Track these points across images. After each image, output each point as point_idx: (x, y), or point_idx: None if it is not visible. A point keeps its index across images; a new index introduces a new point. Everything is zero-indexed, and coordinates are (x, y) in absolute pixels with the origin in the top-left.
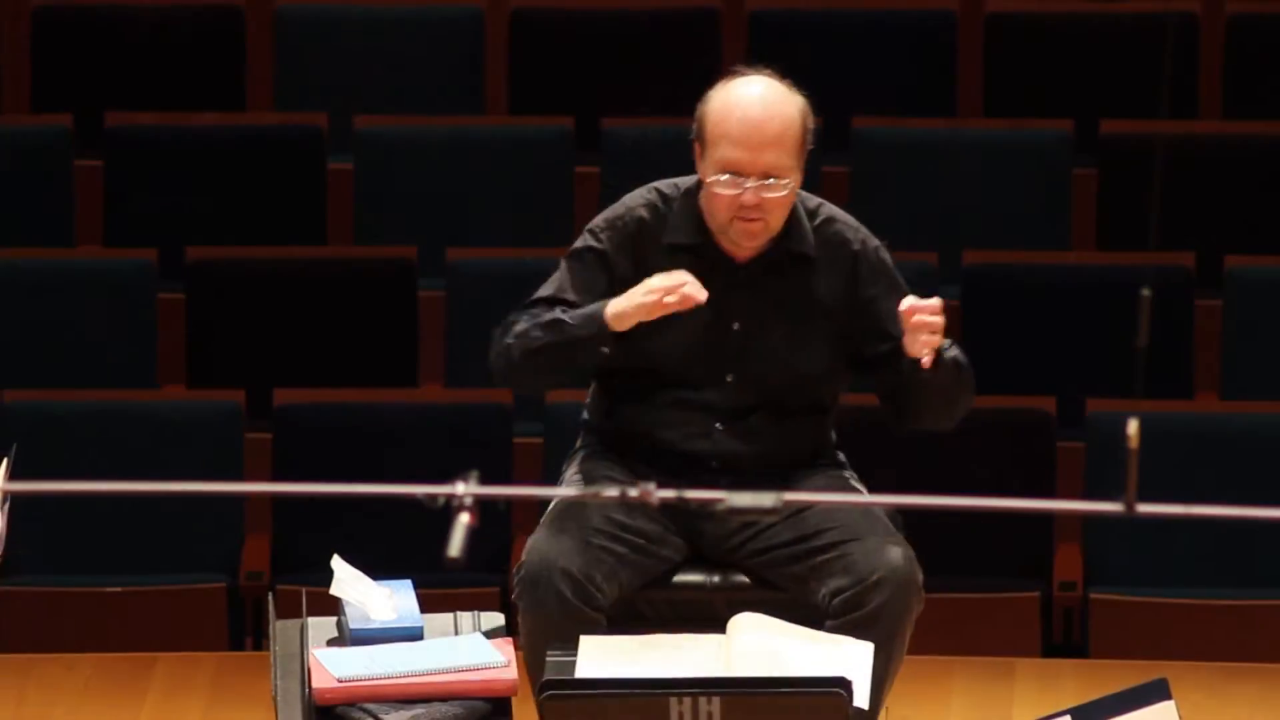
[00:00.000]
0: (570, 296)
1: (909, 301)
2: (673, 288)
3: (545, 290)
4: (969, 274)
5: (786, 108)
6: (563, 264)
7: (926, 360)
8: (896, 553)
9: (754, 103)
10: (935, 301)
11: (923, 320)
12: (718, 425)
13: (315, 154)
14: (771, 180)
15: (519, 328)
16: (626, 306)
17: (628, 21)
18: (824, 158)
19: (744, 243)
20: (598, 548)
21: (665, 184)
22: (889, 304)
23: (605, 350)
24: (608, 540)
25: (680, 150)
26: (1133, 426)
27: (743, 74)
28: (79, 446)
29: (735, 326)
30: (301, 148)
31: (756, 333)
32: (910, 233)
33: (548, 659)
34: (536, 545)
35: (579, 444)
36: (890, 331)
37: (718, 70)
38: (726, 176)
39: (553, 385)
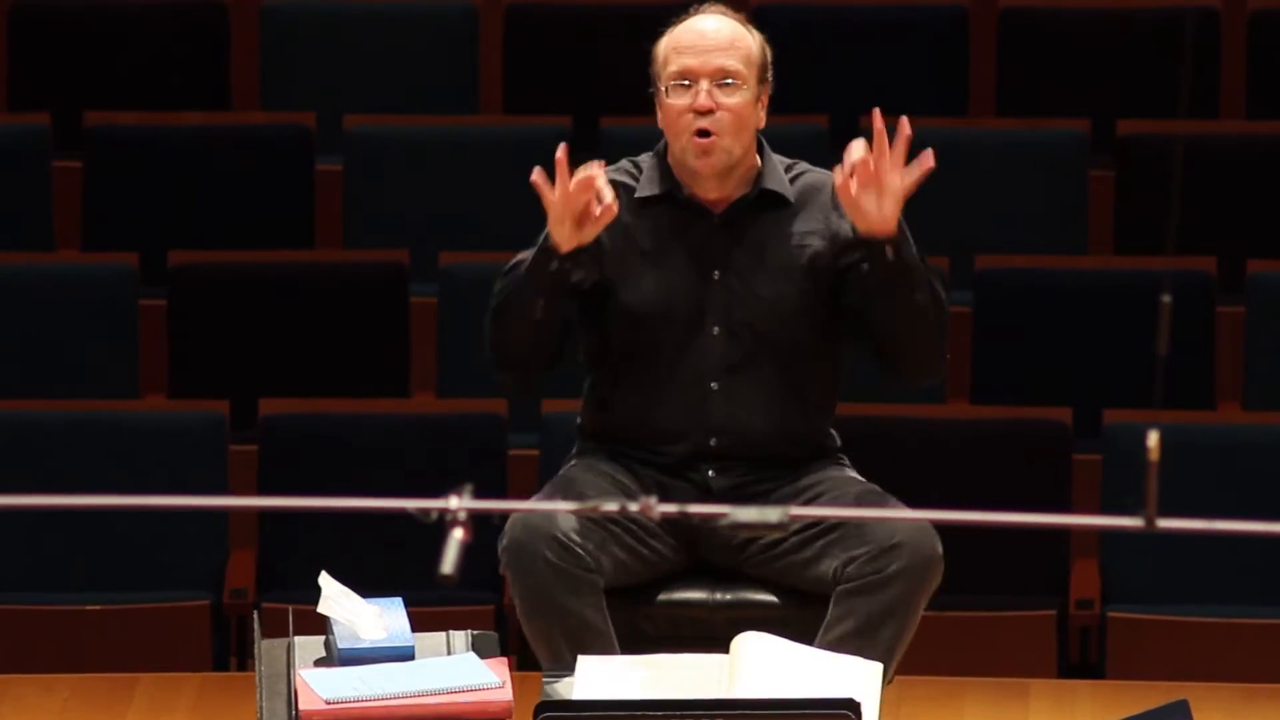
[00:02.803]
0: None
1: (859, 149)
2: (583, 187)
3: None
4: (981, 279)
5: (740, 26)
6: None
7: (863, 228)
8: (916, 523)
9: (704, 18)
10: (896, 150)
11: (871, 173)
12: (713, 385)
13: (303, 154)
14: (727, 82)
15: (491, 302)
16: (554, 228)
17: (627, 17)
18: (830, 157)
19: (699, 161)
20: (587, 520)
21: (639, 154)
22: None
23: (567, 268)
24: (600, 518)
25: None
26: (1152, 438)
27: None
28: (56, 458)
29: (715, 275)
30: (288, 148)
31: (737, 279)
32: (920, 236)
33: (544, 680)
34: (520, 516)
35: (574, 451)
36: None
37: None
38: (681, 85)
39: (542, 345)
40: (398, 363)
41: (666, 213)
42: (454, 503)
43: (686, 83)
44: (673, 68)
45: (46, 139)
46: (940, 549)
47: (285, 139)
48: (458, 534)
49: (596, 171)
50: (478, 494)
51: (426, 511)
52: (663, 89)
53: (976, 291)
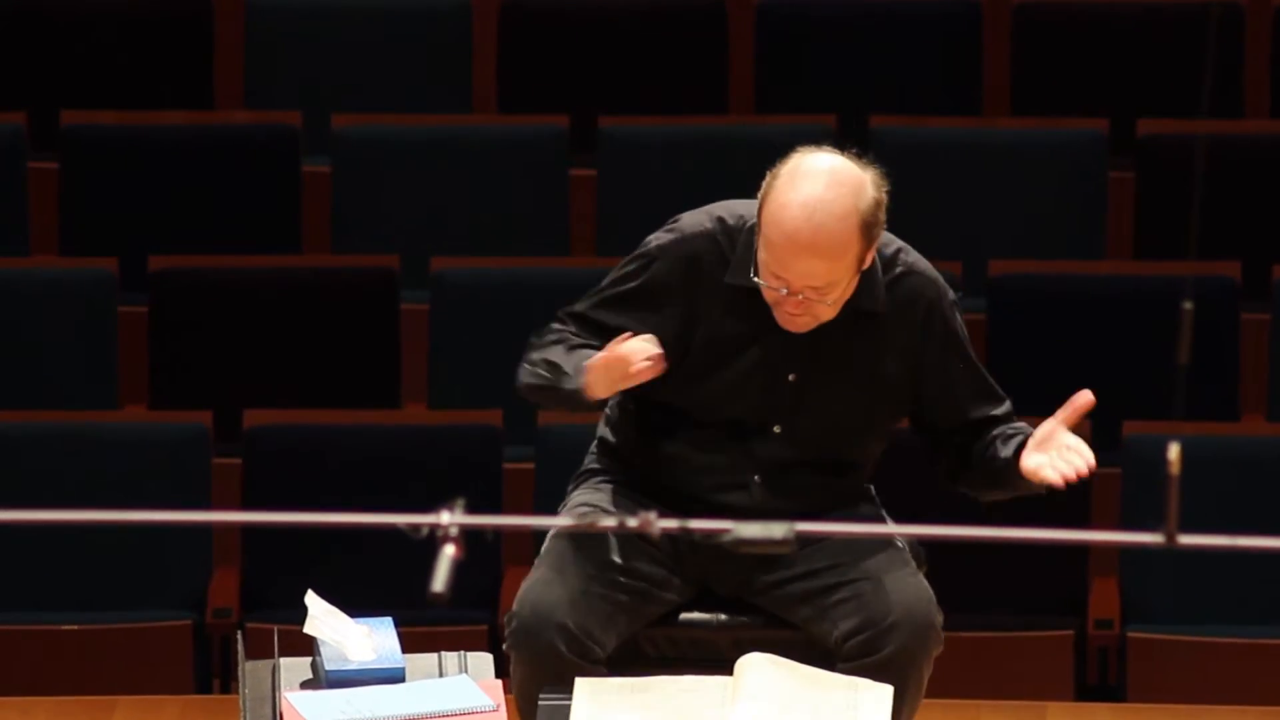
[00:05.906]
0: (602, 318)
1: (1082, 450)
2: (635, 357)
3: (584, 303)
4: (995, 285)
5: (841, 224)
6: (611, 275)
7: (1055, 480)
8: (913, 593)
9: (804, 216)
10: (1090, 459)
11: (1073, 463)
12: (756, 478)
13: (289, 156)
14: (816, 293)
15: (534, 354)
16: (594, 378)
17: (627, 14)
18: None
19: (789, 329)
20: (595, 596)
21: (729, 213)
22: (950, 370)
23: (597, 407)
24: (606, 587)
25: (682, 153)
26: (1173, 451)
27: (810, 155)
28: (32, 471)
29: (791, 378)
30: (275, 149)
31: (812, 387)
32: (932, 241)
33: (540, 703)
34: (529, 594)
35: (590, 464)
36: (949, 401)
37: (723, 66)
38: (771, 279)
39: None
40: (388, 372)
41: (753, 303)
42: (446, 518)
43: (775, 284)
44: (765, 257)
45: (22, 139)
46: (938, 619)
47: (271, 139)
48: (449, 550)
49: (648, 347)
50: (471, 509)
51: (417, 527)
52: (758, 249)
53: (990, 297)
